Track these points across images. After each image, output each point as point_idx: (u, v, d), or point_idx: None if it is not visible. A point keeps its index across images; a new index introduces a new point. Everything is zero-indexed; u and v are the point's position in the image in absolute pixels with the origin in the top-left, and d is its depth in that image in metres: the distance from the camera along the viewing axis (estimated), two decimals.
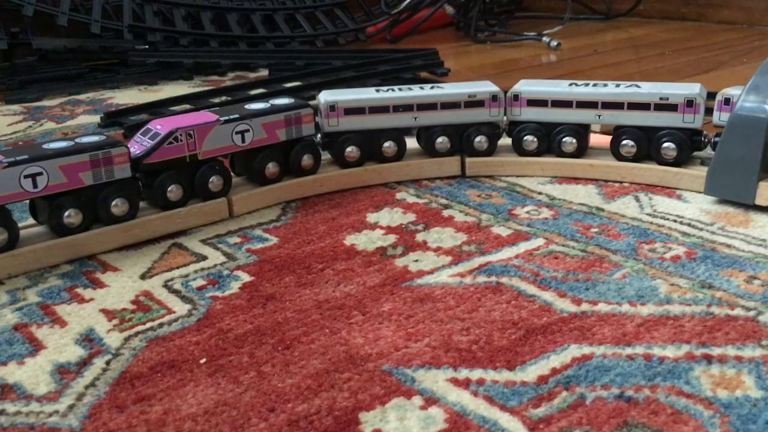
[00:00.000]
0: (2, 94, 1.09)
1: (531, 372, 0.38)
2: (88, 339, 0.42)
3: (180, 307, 0.45)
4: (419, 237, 0.54)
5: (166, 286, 0.48)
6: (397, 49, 1.28)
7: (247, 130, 0.58)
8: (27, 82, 1.14)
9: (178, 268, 0.51)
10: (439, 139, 0.65)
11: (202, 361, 0.40)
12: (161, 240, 0.55)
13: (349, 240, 0.54)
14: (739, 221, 0.54)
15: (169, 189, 0.55)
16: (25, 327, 0.44)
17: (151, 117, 0.87)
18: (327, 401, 0.36)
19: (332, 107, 0.63)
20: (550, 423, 0.34)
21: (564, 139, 0.64)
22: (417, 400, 0.36)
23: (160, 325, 0.43)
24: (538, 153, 0.65)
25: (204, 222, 0.57)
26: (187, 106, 0.93)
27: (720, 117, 0.60)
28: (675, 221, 0.55)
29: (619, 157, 0.63)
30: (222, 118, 0.58)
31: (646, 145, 0.62)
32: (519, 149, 0.66)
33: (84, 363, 0.40)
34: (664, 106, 0.61)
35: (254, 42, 1.34)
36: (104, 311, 0.45)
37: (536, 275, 0.47)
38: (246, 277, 0.49)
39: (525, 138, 0.65)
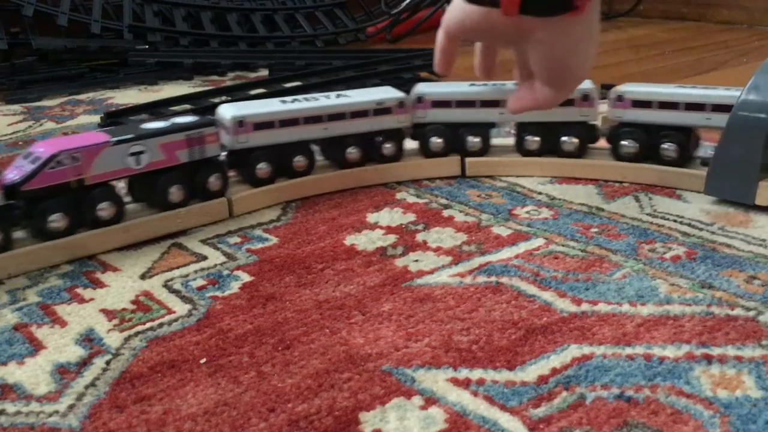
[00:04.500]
0: (2, 94, 1.09)
1: (531, 372, 0.38)
2: (88, 339, 0.42)
3: (180, 307, 0.45)
4: (419, 237, 0.54)
5: (166, 286, 0.48)
6: (397, 49, 1.28)
7: (143, 152, 0.54)
8: (27, 82, 1.14)
9: (178, 268, 0.51)
10: (350, 149, 0.63)
11: (202, 361, 0.40)
12: (161, 240, 0.55)
13: (349, 240, 0.54)
14: (739, 221, 0.54)
15: (52, 218, 0.51)
16: (25, 327, 0.44)
17: (152, 117, 0.87)
18: (327, 401, 0.36)
19: (240, 123, 0.59)
20: (550, 423, 0.34)
21: (469, 139, 0.64)
22: (417, 400, 0.36)
23: (160, 325, 0.43)
24: (444, 153, 0.65)
25: (204, 222, 0.57)
26: (187, 106, 0.93)
27: (615, 114, 0.63)
28: (675, 221, 0.55)
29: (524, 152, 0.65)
30: (113, 139, 0.53)
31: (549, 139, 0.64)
32: (426, 152, 0.65)
33: (84, 363, 0.40)
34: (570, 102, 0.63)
35: (254, 42, 1.34)
36: (104, 311, 0.45)
37: (536, 275, 0.47)
38: (246, 277, 0.49)
39: (431, 140, 0.64)
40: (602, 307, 0.43)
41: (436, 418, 0.35)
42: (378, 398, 0.36)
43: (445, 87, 0.65)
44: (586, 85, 0.62)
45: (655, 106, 0.61)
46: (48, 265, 0.51)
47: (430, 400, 0.36)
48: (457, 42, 0.56)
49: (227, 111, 0.60)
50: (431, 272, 0.49)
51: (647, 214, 0.56)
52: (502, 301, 0.44)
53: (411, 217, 0.58)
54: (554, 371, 0.38)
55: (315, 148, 0.64)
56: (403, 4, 1.48)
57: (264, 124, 0.60)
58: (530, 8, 0.48)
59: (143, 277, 0.50)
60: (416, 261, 0.50)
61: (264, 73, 1.19)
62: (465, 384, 0.37)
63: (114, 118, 0.88)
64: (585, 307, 0.43)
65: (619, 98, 0.62)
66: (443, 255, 0.51)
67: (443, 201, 0.61)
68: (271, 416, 0.35)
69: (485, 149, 0.65)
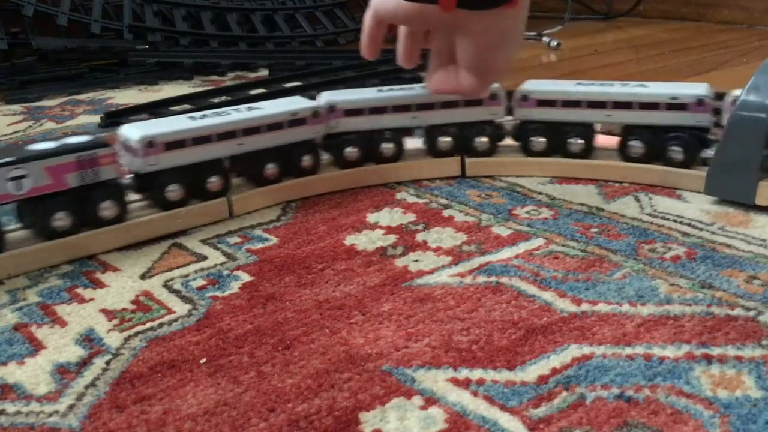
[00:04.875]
0: (2, 94, 1.09)
1: (531, 372, 0.38)
2: (88, 339, 0.42)
3: (180, 307, 0.45)
4: (419, 237, 0.54)
5: (166, 286, 0.48)
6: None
7: (25, 176, 0.49)
8: (27, 82, 1.14)
9: (178, 268, 0.51)
10: (269, 166, 0.60)
11: (202, 361, 0.40)
12: (161, 240, 0.55)
13: (349, 240, 0.54)
14: (739, 221, 0.54)
15: None
16: (25, 327, 0.44)
17: (151, 117, 0.87)
18: (327, 401, 0.36)
19: (150, 143, 0.54)
20: (550, 423, 0.34)
21: (382, 146, 0.64)
22: (417, 400, 0.36)
23: (160, 325, 0.43)
24: (359, 163, 0.63)
25: (204, 222, 0.57)
26: (187, 106, 0.93)
27: (521, 113, 0.64)
28: (675, 221, 0.55)
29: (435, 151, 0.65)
30: None
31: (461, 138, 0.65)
32: (342, 163, 0.63)
33: (84, 363, 0.40)
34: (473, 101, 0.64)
35: (254, 42, 1.34)
36: (104, 311, 0.45)
37: (536, 275, 0.47)
38: (246, 277, 0.49)
39: (346, 150, 0.63)
40: (602, 307, 0.43)
41: (436, 418, 0.35)
42: (378, 398, 0.36)
43: (355, 94, 0.64)
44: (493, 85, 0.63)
45: (559, 105, 0.63)
46: (48, 265, 0.51)
47: (430, 400, 0.36)
48: (385, 27, 0.56)
49: (133, 131, 0.54)
50: (431, 272, 0.49)
51: (647, 214, 0.56)
52: (502, 301, 0.44)
53: (411, 217, 0.58)
54: (554, 371, 0.38)
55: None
56: None
57: (176, 144, 0.55)
58: (467, 2, 0.49)
59: (143, 277, 0.50)
60: (416, 261, 0.50)
61: (264, 73, 1.19)
62: (465, 384, 0.37)
63: (114, 118, 0.88)
64: (585, 307, 0.43)
65: (524, 98, 0.64)
66: (443, 255, 0.51)
67: (443, 201, 0.61)
68: (271, 416, 0.35)
69: (399, 155, 0.64)
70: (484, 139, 0.64)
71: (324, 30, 1.44)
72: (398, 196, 0.62)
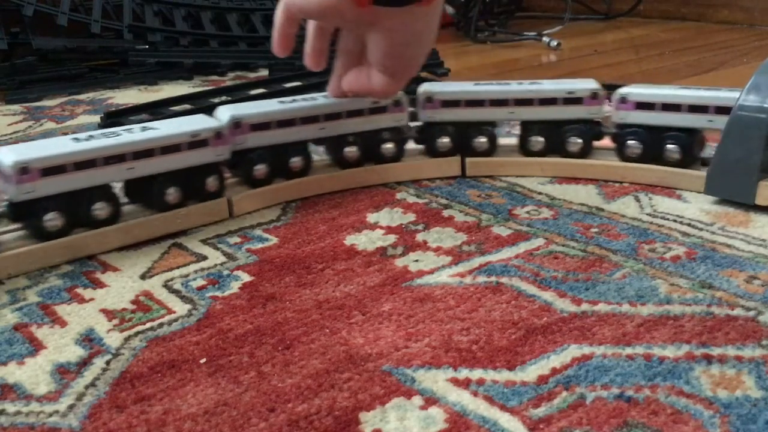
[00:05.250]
0: (2, 94, 1.09)
1: (531, 372, 0.38)
2: (88, 339, 0.42)
3: (180, 307, 0.45)
4: (419, 237, 0.54)
5: (166, 286, 0.48)
6: None
7: None
8: (27, 82, 1.14)
9: (178, 268, 0.51)
10: (169, 190, 0.55)
11: (202, 361, 0.40)
12: (161, 240, 0.55)
13: (349, 240, 0.54)
14: (739, 221, 0.54)
15: None
16: (25, 327, 0.44)
17: (151, 117, 0.87)
18: (327, 401, 0.36)
19: (24, 169, 0.49)
20: (550, 423, 0.34)
21: (292, 159, 0.61)
22: (417, 400, 0.36)
23: (160, 325, 0.43)
24: (268, 181, 0.60)
25: (204, 222, 0.57)
26: (188, 106, 0.93)
27: (423, 116, 0.64)
28: (675, 221, 0.55)
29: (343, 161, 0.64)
30: None
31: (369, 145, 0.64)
32: (252, 182, 0.60)
33: (84, 363, 0.40)
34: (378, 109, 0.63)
35: (254, 42, 1.34)
36: (104, 311, 0.45)
37: (536, 275, 0.47)
38: (246, 277, 0.49)
39: (255, 168, 0.59)
40: (602, 307, 0.43)
41: (436, 418, 0.35)
42: (378, 398, 0.36)
43: (258, 107, 0.60)
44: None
45: (463, 105, 0.64)
46: (48, 265, 0.51)
47: (430, 400, 0.36)
48: (297, 23, 0.54)
49: (6, 155, 0.50)
50: (431, 272, 0.49)
51: (647, 214, 0.56)
52: (502, 301, 0.44)
53: (411, 217, 0.58)
54: (554, 371, 0.38)
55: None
56: None
57: (55, 169, 0.50)
58: None
59: (143, 277, 0.50)
60: (416, 261, 0.50)
61: (264, 73, 1.19)
62: (465, 384, 0.37)
63: (114, 118, 0.88)
64: (585, 307, 0.43)
65: (429, 99, 0.64)
66: (443, 255, 0.51)
67: (443, 201, 0.61)
68: (271, 416, 0.35)
69: (306, 169, 0.62)
70: (390, 146, 0.63)
71: None
72: (398, 196, 0.62)
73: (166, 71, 1.19)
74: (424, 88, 0.64)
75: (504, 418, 0.34)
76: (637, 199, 0.59)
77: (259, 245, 0.54)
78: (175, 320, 0.44)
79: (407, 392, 0.36)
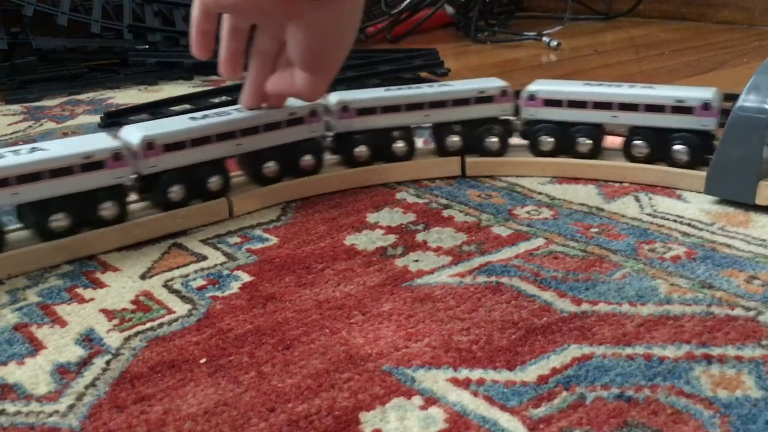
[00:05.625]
0: (2, 94, 1.09)
1: (531, 372, 0.38)
2: (88, 339, 0.42)
3: (180, 307, 0.45)
4: (419, 237, 0.54)
5: (166, 286, 0.48)
6: (397, 49, 1.28)
7: None
8: (27, 82, 1.14)
9: (178, 268, 0.51)
10: (57, 216, 0.51)
11: (202, 361, 0.40)
12: (161, 240, 0.55)
13: (349, 240, 0.54)
14: (739, 221, 0.54)
15: None
16: (25, 327, 0.44)
17: (151, 117, 0.87)
18: (327, 401, 0.36)
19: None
20: (550, 423, 0.34)
21: (209, 181, 0.57)
22: (417, 400, 0.36)
23: (160, 325, 0.43)
24: (182, 204, 0.56)
25: (204, 222, 0.57)
26: (187, 106, 0.93)
27: (339, 125, 0.62)
28: (675, 221, 0.55)
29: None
30: None
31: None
32: (165, 205, 0.55)
33: (84, 363, 0.40)
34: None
35: None
36: (104, 311, 0.45)
37: (536, 275, 0.47)
38: (246, 277, 0.49)
39: (170, 189, 0.55)
40: (602, 307, 0.43)
41: (436, 418, 0.35)
42: (378, 398, 0.36)
43: (168, 125, 0.56)
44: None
45: (379, 112, 0.63)
46: (48, 265, 0.51)
47: (430, 400, 0.36)
48: (215, 19, 0.52)
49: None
50: (431, 272, 0.49)
51: (647, 214, 0.56)
52: (502, 301, 0.44)
53: (411, 217, 0.58)
54: (554, 371, 0.38)
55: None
56: (403, 4, 1.48)
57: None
58: None
59: (143, 277, 0.50)
60: (416, 261, 0.50)
61: None
62: (465, 384, 0.37)
63: (114, 118, 0.88)
64: (585, 307, 0.43)
65: (344, 109, 0.62)
66: (443, 255, 0.51)
67: (443, 201, 0.61)
68: (271, 416, 0.35)
69: (226, 188, 0.58)
70: (308, 157, 0.61)
71: None
72: (398, 196, 0.62)
73: (166, 71, 1.19)
74: (339, 97, 0.62)
75: (504, 418, 0.34)
76: (637, 199, 0.59)
77: (259, 245, 0.54)
78: (175, 320, 0.44)
79: (407, 392, 0.36)
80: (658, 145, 0.61)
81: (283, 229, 0.57)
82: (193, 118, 0.57)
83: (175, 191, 0.55)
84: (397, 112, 0.63)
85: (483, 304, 0.44)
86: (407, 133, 0.65)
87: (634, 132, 0.62)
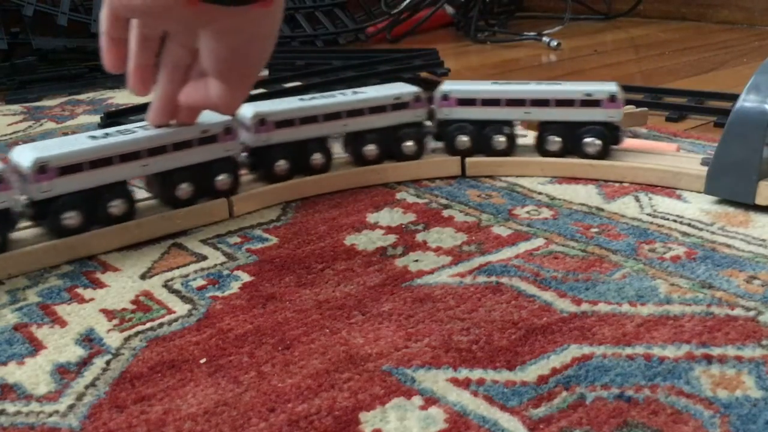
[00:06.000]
0: (2, 94, 1.09)
1: (531, 372, 0.38)
2: (88, 339, 0.42)
3: (180, 307, 0.45)
4: (419, 237, 0.54)
5: (166, 286, 0.48)
6: (397, 49, 1.28)
7: None
8: (27, 82, 1.14)
9: (178, 268, 0.51)
10: None
11: (202, 361, 0.40)
12: (161, 240, 0.55)
13: (349, 240, 0.54)
14: (739, 221, 0.54)
15: None
16: (25, 327, 0.44)
17: None
18: (327, 401, 0.36)
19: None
20: (550, 423, 0.34)
21: (111, 204, 0.53)
22: (417, 400, 0.36)
23: (160, 325, 0.43)
24: (82, 229, 0.52)
25: (204, 222, 0.57)
26: None
27: (257, 140, 0.59)
28: (675, 221, 0.55)
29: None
30: None
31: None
32: (59, 232, 0.51)
33: (84, 363, 0.40)
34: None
35: None
36: (104, 311, 0.45)
37: (536, 275, 0.47)
38: (246, 277, 0.49)
39: (65, 216, 0.51)
40: (602, 307, 0.43)
41: (436, 418, 0.35)
42: (378, 398, 0.36)
43: (69, 144, 0.52)
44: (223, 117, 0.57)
45: (297, 123, 0.61)
46: (48, 265, 0.51)
47: (430, 400, 0.36)
48: (125, 25, 0.48)
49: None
50: (431, 272, 0.49)
51: (647, 214, 0.56)
52: (502, 301, 0.44)
53: (411, 217, 0.58)
54: (554, 371, 0.38)
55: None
56: (403, 4, 1.48)
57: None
58: None
59: (143, 277, 0.50)
60: (416, 261, 0.50)
61: (264, 73, 1.19)
62: (465, 384, 0.37)
63: (114, 118, 0.88)
64: (585, 307, 0.43)
65: (262, 122, 0.59)
66: (443, 255, 0.51)
67: (443, 201, 0.61)
68: (271, 416, 0.35)
69: (131, 213, 0.54)
70: (223, 177, 0.57)
71: (324, 30, 1.44)
72: (398, 196, 0.62)
73: None
74: (255, 109, 0.59)
75: (504, 418, 0.34)
76: (637, 199, 0.59)
77: (259, 245, 0.54)
78: (175, 320, 0.44)
79: (407, 392, 0.36)
80: (569, 139, 0.63)
81: (283, 229, 0.57)
82: (93, 137, 0.53)
83: (71, 217, 0.51)
84: (315, 123, 0.61)
85: (483, 304, 0.44)
86: (323, 144, 0.62)
87: (545, 127, 0.64)
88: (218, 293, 0.47)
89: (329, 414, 0.35)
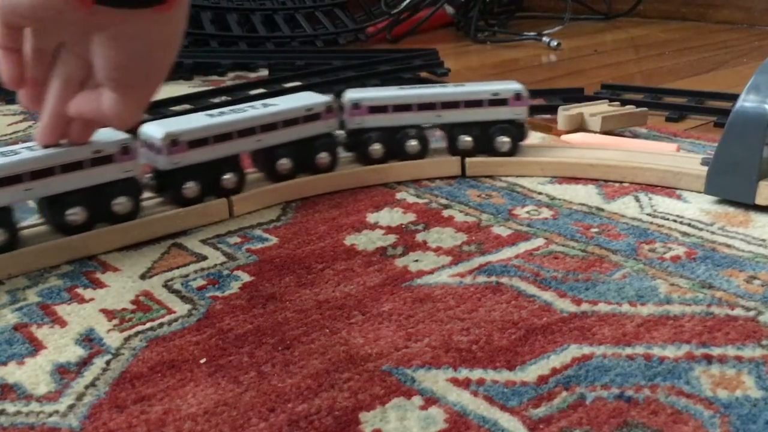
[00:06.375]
0: (2, 94, 1.08)
1: (531, 372, 0.38)
2: (88, 339, 0.42)
3: (180, 307, 0.45)
4: (419, 237, 0.54)
5: (166, 286, 0.48)
6: (397, 49, 1.28)
7: None
8: None
9: (178, 268, 0.51)
10: None
11: (202, 361, 0.40)
12: (161, 240, 0.55)
13: (349, 240, 0.54)
14: (739, 221, 0.54)
15: None
16: (25, 327, 0.44)
17: (151, 117, 0.87)
18: (327, 401, 0.36)
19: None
20: (550, 423, 0.34)
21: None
22: (417, 400, 0.36)
23: (160, 325, 0.43)
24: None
25: (204, 222, 0.57)
26: (188, 106, 0.93)
27: (167, 161, 0.55)
28: (675, 221, 0.55)
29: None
30: None
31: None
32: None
33: (84, 363, 0.40)
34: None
35: (254, 42, 1.34)
36: (104, 311, 0.45)
37: (536, 275, 0.47)
38: (246, 277, 0.49)
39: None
40: (602, 307, 0.43)
41: (436, 418, 0.35)
42: (378, 398, 0.36)
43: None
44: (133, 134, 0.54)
45: (212, 142, 0.57)
46: (48, 265, 0.51)
47: (430, 400, 0.36)
48: (19, 33, 0.45)
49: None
50: (431, 272, 0.49)
51: (647, 214, 0.56)
52: (502, 301, 0.44)
53: (411, 217, 0.58)
54: (554, 371, 0.38)
55: None
56: (403, 4, 1.48)
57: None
58: None
59: (143, 277, 0.50)
60: (416, 261, 0.50)
61: (264, 73, 1.19)
62: (465, 384, 0.37)
63: None
64: (585, 307, 0.43)
65: (174, 143, 0.55)
66: (443, 255, 0.51)
67: (443, 201, 0.61)
68: (271, 416, 0.35)
69: (13, 242, 0.50)
70: (122, 200, 0.53)
71: (324, 30, 1.44)
72: (398, 196, 0.62)
73: None
74: (165, 130, 0.54)
75: (504, 418, 0.34)
76: (637, 199, 0.59)
77: (259, 245, 0.54)
78: (175, 320, 0.44)
79: (407, 392, 0.36)
80: (481, 138, 0.64)
81: (283, 229, 0.57)
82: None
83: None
84: (230, 140, 0.58)
85: (483, 304, 0.44)
86: (236, 162, 0.59)
87: (455, 129, 0.65)
88: (218, 293, 0.47)
89: (329, 414, 0.35)
